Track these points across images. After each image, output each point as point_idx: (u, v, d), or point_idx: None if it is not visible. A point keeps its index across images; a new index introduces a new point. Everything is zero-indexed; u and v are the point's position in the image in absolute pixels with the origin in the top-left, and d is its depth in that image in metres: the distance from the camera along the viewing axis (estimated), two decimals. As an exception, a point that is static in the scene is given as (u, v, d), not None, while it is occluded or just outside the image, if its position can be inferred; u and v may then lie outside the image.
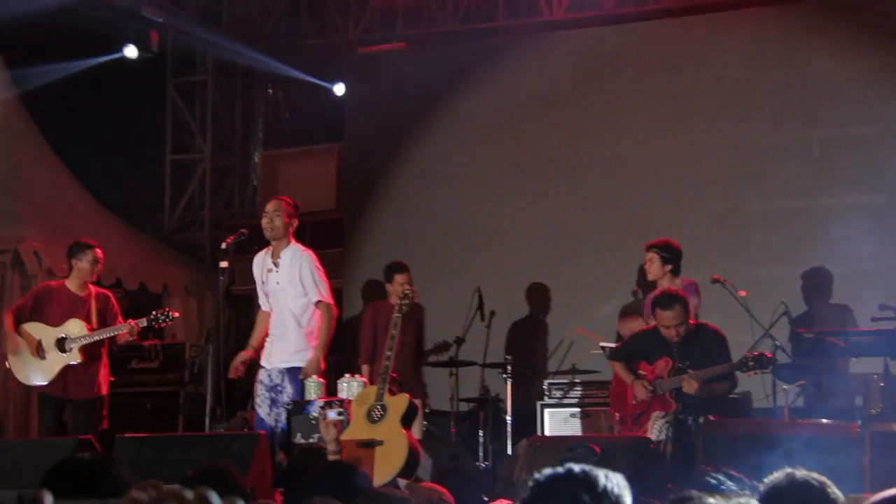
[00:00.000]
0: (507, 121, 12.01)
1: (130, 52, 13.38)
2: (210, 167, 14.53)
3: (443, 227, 12.06)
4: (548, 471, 2.53)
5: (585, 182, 11.56)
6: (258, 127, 14.69)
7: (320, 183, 13.53)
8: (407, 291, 8.51)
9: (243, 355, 8.65)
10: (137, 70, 13.49)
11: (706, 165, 11.18)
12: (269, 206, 8.67)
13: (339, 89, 13.63)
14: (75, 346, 8.91)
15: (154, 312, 9.02)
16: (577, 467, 2.49)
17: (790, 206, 10.87)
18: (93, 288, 9.21)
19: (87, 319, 9.03)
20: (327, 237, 13.44)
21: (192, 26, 13.59)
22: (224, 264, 8.56)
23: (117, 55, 13.37)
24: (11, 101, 12.59)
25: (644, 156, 11.39)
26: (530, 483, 2.54)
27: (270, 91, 14.74)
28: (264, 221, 8.58)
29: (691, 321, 7.88)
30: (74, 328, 8.96)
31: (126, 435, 7.71)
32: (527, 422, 10.10)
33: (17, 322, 9.04)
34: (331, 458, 7.03)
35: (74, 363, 8.92)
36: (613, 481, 2.46)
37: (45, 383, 8.97)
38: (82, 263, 9.11)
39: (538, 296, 11.45)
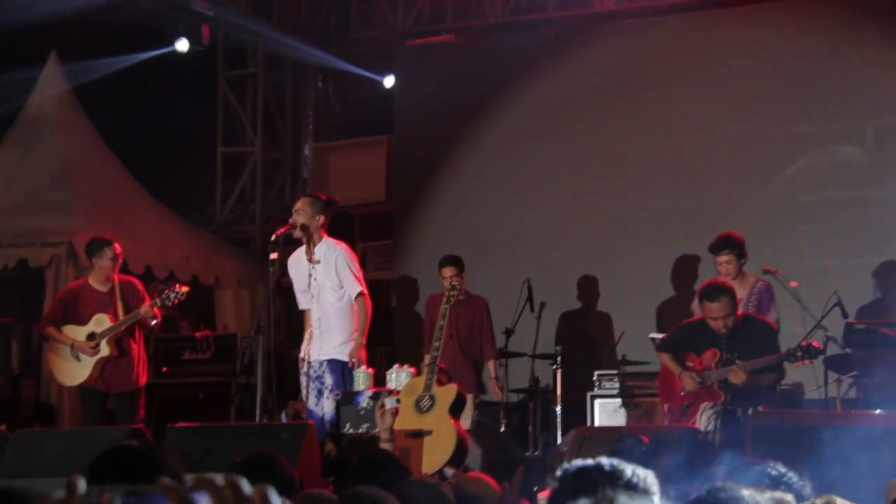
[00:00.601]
0: (557, 113, 11.97)
1: (182, 45, 13.46)
2: (261, 160, 14.62)
3: (492, 218, 12.05)
4: (578, 462, 2.53)
5: (635, 173, 11.51)
6: (308, 119, 14.75)
7: (370, 175, 13.57)
8: (455, 283, 8.53)
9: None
10: (188, 63, 13.57)
11: (758, 156, 11.09)
12: (297, 205, 8.68)
13: (389, 81, 13.65)
14: (103, 341, 9.02)
15: (165, 291, 9.11)
16: (606, 462, 2.48)
17: (843, 196, 10.76)
18: (116, 279, 9.28)
19: (115, 313, 9.13)
20: (377, 229, 13.50)
21: (243, 19, 13.67)
22: (274, 256, 8.60)
23: (169, 49, 13.46)
24: (65, 94, 12.74)
25: (695, 147, 11.32)
26: (559, 472, 2.54)
27: (321, 84, 14.80)
28: (292, 221, 8.57)
29: (739, 312, 7.83)
30: (100, 322, 9.07)
31: (178, 425, 7.78)
32: (576, 412, 10.08)
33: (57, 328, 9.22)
34: (383, 446, 7.06)
35: (106, 356, 9.03)
36: (640, 476, 2.45)
37: (83, 381, 9.10)
38: (102, 261, 9.18)
39: (588, 287, 11.42)
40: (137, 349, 9.21)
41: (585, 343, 11.15)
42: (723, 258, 8.47)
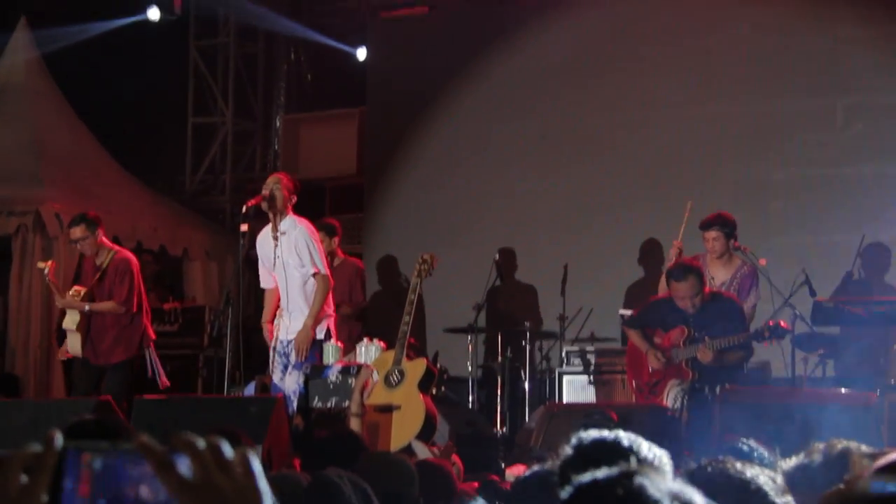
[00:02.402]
0: (530, 87, 11.94)
1: (153, 13, 13.35)
2: (231, 131, 14.50)
3: (464, 192, 12.02)
4: (594, 434, 2.51)
5: (607, 150, 11.50)
6: (280, 91, 14.65)
7: (341, 148, 13.51)
8: (426, 257, 8.48)
9: (267, 329, 8.70)
10: (160, 32, 13.46)
11: (729, 134, 11.10)
12: (270, 180, 8.56)
13: (362, 54, 13.58)
14: (68, 312, 9.09)
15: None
16: (624, 436, 2.48)
17: (813, 174, 10.78)
18: (114, 252, 9.19)
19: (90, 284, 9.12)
20: (347, 202, 13.45)
21: (215, -12, 13.56)
22: (244, 228, 8.55)
23: (140, 17, 13.34)
24: (34, 61, 12.60)
25: (666, 124, 11.32)
26: (574, 441, 2.51)
27: (293, 55, 14.70)
28: (264, 192, 8.43)
29: (706, 290, 7.85)
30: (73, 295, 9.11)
31: (144, 396, 7.75)
32: (545, 389, 10.11)
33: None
34: (353, 419, 7.05)
35: (67, 327, 9.08)
36: (657, 454, 2.44)
37: (69, 349, 9.15)
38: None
39: (558, 263, 11.40)
40: (120, 324, 9.13)
41: (554, 319, 11.16)
42: (711, 234, 8.44)
